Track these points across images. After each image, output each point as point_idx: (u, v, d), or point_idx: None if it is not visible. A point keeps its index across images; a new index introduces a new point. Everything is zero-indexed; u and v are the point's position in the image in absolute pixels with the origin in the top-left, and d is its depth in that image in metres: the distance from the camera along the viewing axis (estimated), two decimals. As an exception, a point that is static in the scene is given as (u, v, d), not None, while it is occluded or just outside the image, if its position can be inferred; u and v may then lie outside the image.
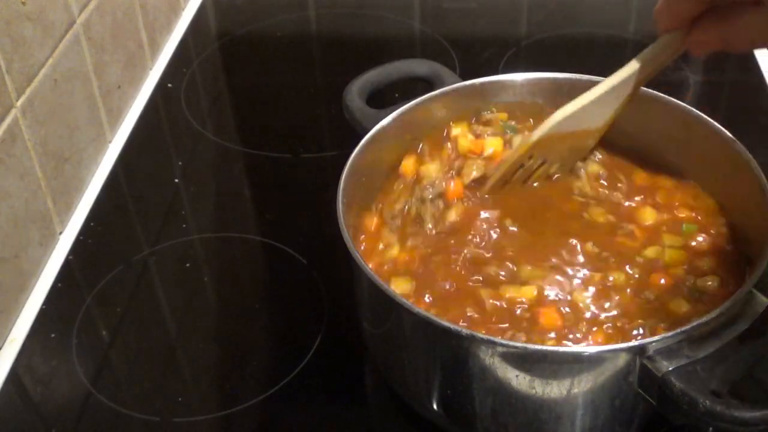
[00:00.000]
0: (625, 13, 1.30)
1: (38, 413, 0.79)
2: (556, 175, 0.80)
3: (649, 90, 0.82)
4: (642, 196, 0.80)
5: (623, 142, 0.85)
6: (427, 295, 0.71)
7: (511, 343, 0.63)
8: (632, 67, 0.75)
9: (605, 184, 0.81)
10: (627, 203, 0.79)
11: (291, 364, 0.80)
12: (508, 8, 1.32)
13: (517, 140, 0.81)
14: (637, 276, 0.72)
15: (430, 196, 0.78)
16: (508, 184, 0.79)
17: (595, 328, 0.68)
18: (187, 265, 0.92)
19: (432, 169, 0.80)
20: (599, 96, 0.75)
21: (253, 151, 1.08)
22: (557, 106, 0.86)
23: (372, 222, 0.79)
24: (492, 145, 0.81)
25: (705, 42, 0.67)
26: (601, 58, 1.21)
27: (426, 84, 0.87)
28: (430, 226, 0.76)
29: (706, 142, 0.79)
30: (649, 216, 0.78)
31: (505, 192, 0.79)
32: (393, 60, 0.90)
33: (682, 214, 0.78)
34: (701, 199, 0.79)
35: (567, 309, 0.69)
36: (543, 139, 0.76)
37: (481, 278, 0.72)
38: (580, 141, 0.79)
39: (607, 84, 0.75)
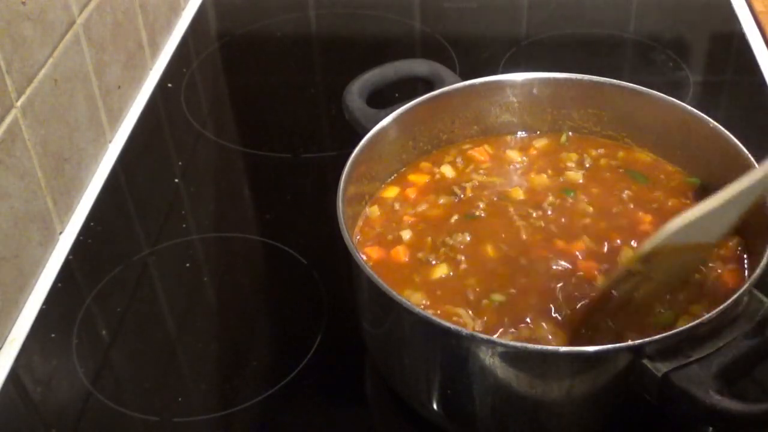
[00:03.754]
0: (625, 13, 1.30)
1: (38, 413, 0.79)
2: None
3: (649, 90, 0.82)
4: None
5: (623, 142, 0.86)
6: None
7: (511, 343, 0.63)
8: (761, 173, 0.65)
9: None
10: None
11: (291, 364, 0.80)
12: (508, 8, 1.32)
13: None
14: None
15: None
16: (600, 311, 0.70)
17: None
18: (187, 265, 0.92)
19: None
20: (721, 204, 0.65)
21: (253, 151, 1.08)
22: (557, 105, 0.86)
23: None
24: None
25: None
26: (601, 58, 1.21)
27: (426, 84, 0.87)
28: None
29: (706, 142, 0.79)
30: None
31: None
32: (393, 60, 0.90)
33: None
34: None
35: None
36: (653, 253, 0.67)
37: None
38: (692, 256, 0.69)
39: (733, 189, 0.65)
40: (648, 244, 0.67)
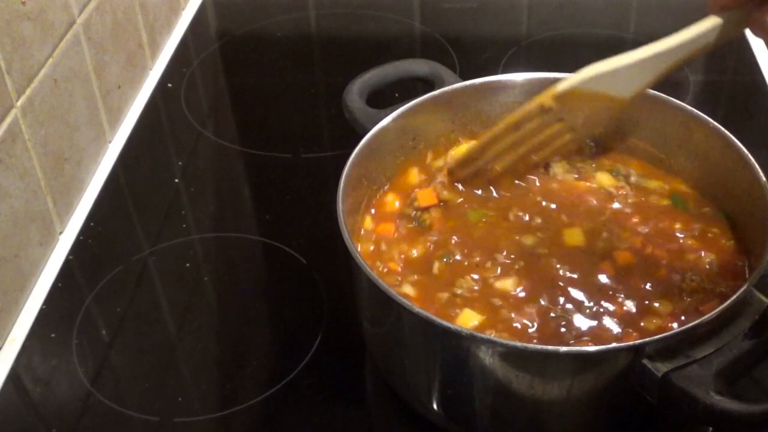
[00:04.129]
0: (625, 13, 1.30)
1: (38, 413, 0.79)
2: (553, 162, 0.78)
3: (649, 90, 0.82)
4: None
5: (622, 141, 0.86)
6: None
7: (511, 343, 0.63)
8: (679, 38, 0.68)
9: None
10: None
11: (291, 364, 0.80)
12: (508, 8, 1.32)
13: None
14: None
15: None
16: (510, 153, 0.75)
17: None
18: (187, 265, 0.92)
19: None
20: (638, 61, 0.69)
21: (253, 151, 1.08)
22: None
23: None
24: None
25: None
26: (601, 58, 1.20)
27: (426, 84, 0.87)
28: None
29: (706, 142, 0.79)
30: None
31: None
32: (393, 60, 0.90)
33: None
34: (701, 198, 0.79)
35: None
36: (567, 93, 0.71)
37: None
38: (602, 107, 0.73)
39: (648, 50, 0.69)
40: (563, 84, 0.72)
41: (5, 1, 0.83)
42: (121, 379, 0.82)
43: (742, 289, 0.63)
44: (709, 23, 0.66)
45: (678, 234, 0.76)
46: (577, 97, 0.72)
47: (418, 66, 0.90)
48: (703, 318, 0.62)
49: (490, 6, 1.32)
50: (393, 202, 0.81)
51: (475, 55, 1.21)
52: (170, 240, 0.94)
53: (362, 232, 0.78)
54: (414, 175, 0.83)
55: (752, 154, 0.74)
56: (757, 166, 0.73)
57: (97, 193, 1.00)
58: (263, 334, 0.87)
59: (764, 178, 0.72)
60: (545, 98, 0.73)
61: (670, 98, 0.81)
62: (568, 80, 0.72)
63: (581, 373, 0.63)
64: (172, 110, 1.14)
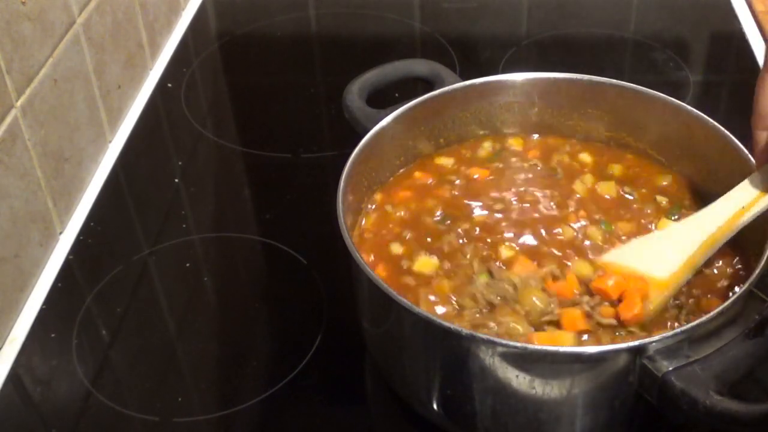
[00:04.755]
0: (625, 13, 1.30)
1: (38, 413, 0.79)
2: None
3: (649, 90, 0.82)
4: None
5: (622, 142, 0.86)
6: None
7: (511, 343, 0.63)
8: (720, 207, 0.66)
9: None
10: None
11: (291, 364, 0.80)
12: (508, 8, 1.32)
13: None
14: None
15: None
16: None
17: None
18: (187, 265, 0.92)
19: None
20: (665, 232, 0.68)
21: (253, 151, 1.08)
22: (557, 106, 0.86)
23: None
24: None
25: None
26: (601, 58, 1.21)
27: (426, 84, 0.87)
28: None
29: (706, 142, 0.79)
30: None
31: None
32: (393, 60, 0.90)
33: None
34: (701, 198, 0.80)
35: None
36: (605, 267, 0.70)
37: None
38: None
39: (684, 228, 0.67)
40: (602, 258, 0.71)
41: (5, 1, 0.83)
42: (121, 379, 0.82)
43: (742, 289, 0.63)
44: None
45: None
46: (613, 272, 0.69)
47: (418, 66, 0.90)
48: (703, 318, 0.62)
49: (490, 6, 1.32)
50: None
51: (475, 55, 1.21)
52: (170, 240, 0.94)
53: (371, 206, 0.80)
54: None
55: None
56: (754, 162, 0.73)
57: (97, 193, 1.00)
58: (263, 334, 0.87)
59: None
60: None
61: (670, 98, 0.81)
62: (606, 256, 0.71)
63: (581, 373, 0.63)
64: (172, 110, 1.14)
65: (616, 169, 0.84)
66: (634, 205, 0.79)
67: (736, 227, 0.69)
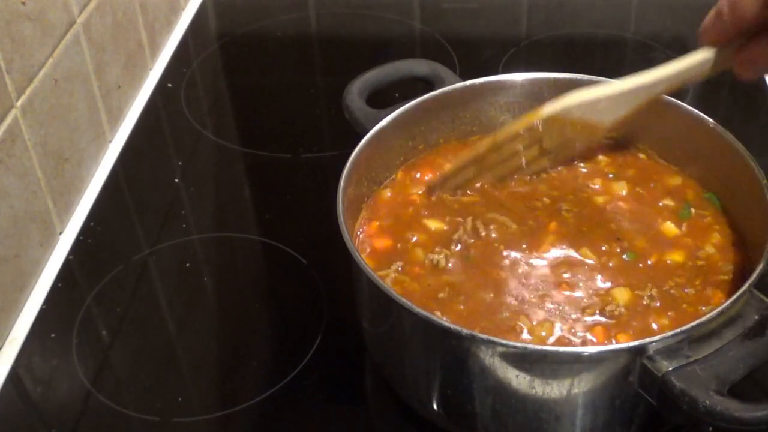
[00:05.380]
0: (625, 13, 1.30)
1: (38, 413, 0.79)
2: (537, 172, 0.79)
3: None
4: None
5: (622, 141, 0.86)
6: None
7: (511, 343, 0.63)
8: (664, 71, 0.70)
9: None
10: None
11: (291, 364, 0.80)
12: (508, 8, 1.32)
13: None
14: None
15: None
16: (492, 169, 0.77)
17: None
18: (187, 265, 0.92)
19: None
20: (623, 91, 0.71)
21: (253, 151, 1.08)
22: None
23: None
24: None
25: (757, 60, 0.62)
26: (601, 58, 1.21)
27: (426, 84, 0.87)
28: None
29: (706, 142, 0.79)
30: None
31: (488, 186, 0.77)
32: (393, 60, 0.90)
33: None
34: (701, 198, 0.79)
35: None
36: (550, 118, 0.73)
37: None
38: (583, 133, 0.76)
39: (634, 81, 0.71)
40: (549, 108, 0.73)
41: (5, 1, 0.83)
42: (121, 379, 0.82)
43: (742, 289, 0.63)
44: (700, 56, 0.67)
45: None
46: (558, 122, 0.73)
47: (418, 66, 0.90)
48: (703, 318, 0.62)
49: (490, 6, 1.32)
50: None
51: (475, 55, 1.21)
52: (170, 240, 0.94)
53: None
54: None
55: (752, 154, 0.74)
56: (757, 166, 0.73)
57: (97, 193, 1.00)
58: (263, 334, 0.87)
59: (764, 178, 0.72)
60: (533, 117, 0.74)
61: (671, 98, 0.81)
62: (552, 105, 0.73)
63: (581, 373, 0.63)
64: (172, 110, 1.14)
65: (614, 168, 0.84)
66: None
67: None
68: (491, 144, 0.77)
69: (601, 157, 0.84)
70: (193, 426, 0.76)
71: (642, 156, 0.84)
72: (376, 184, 0.82)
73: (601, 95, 0.72)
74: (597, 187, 0.81)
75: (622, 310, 0.69)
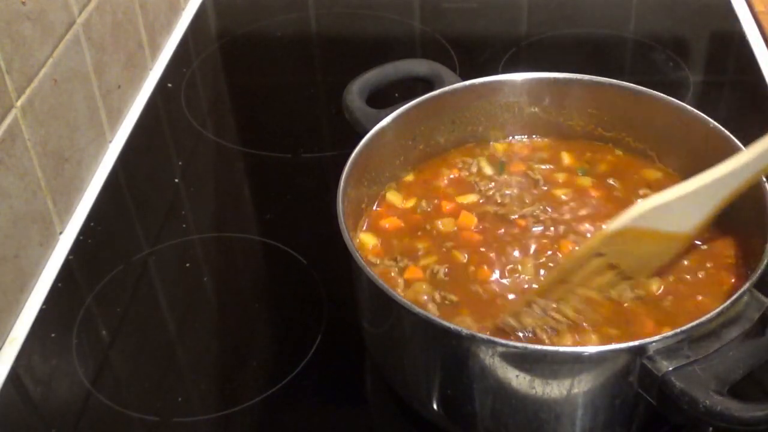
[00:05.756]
0: (625, 13, 1.30)
1: (38, 413, 0.79)
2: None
3: (649, 90, 0.82)
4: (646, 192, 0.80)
5: (622, 141, 0.86)
6: None
7: (511, 343, 0.63)
8: (742, 158, 0.61)
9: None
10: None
11: (291, 364, 0.80)
12: (508, 8, 1.32)
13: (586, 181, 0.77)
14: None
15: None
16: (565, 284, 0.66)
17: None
18: (187, 265, 0.92)
19: None
20: (695, 190, 0.62)
21: (253, 151, 1.08)
22: (557, 105, 0.86)
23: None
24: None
25: None
26: (601, 58, 1.21)
27: (426, 84, 0.87)
28: None
29: (706, 142, 0.79)
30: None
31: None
32: (393, 60, 0.90)
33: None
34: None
35: None
36: (618, 235, 0.63)
37: None
38: (661, 246, 0.65)
39: (707, 176, 0.62)
40: (613, 224, 0.64)
41: (5, 1, 0.83)
42: (121, 379, 0.82)
43: (742, 289, 0.63)
44: None
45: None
46: (628, 238, 0.63)
47: (418, 66, 0.90)
48: (703, 318, 0.62)
49: (490, 6, 1.32)
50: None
51: (475, 55, 1.21)
52: (170, 240, 0.94)
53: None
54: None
55: (752, 154, 0.74)
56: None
57: (97, 193, 1.00)
58: (263, 334, 0.87)
59: (764, 179, 0.72)
60: (596, 243, 0.64)
61: (670, 98, 0.81)
62: (617, 221, 0.63)
63: (581, 373, 0.63)
64: (172, 110, 1.14)
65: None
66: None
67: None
68: (555, 277, 0.67)
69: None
70: (193, 426, 0.76)
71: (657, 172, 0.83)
72: (376, 184, 0.82)
73: (670, 198, 0.62)
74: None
75: None
